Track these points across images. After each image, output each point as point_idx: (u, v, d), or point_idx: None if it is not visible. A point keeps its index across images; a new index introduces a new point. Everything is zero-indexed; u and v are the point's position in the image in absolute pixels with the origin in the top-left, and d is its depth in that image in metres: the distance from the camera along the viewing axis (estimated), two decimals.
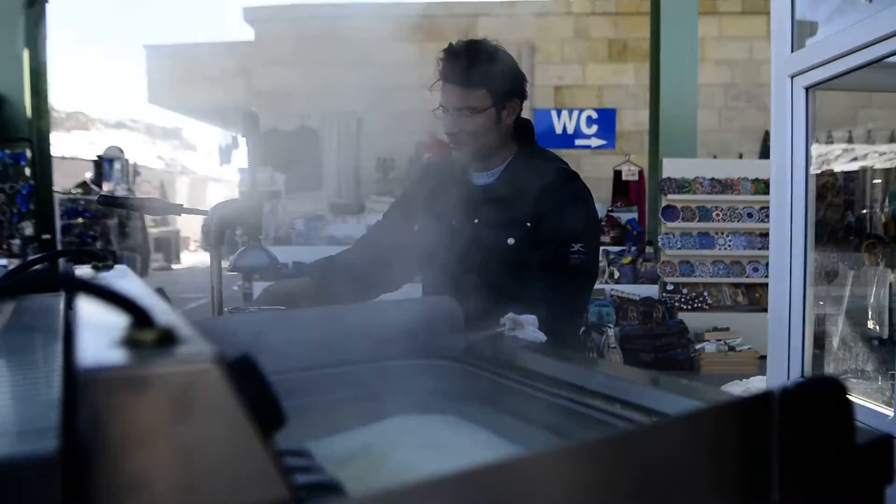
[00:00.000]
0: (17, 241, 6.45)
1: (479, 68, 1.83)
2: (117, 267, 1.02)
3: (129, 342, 0.41)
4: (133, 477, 0.37)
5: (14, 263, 6.37)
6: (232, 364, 0.49)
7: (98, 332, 0.44)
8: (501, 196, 1.89)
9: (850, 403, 0.71)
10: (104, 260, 1.00)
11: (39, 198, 6.66)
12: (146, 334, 0.41)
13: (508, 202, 1.86)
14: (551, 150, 2.14)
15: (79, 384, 0.36)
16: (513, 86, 1.91)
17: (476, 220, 1.89)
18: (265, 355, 1.21)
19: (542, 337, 1.41)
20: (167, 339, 0.42)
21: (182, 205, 1.80)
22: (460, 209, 1.90)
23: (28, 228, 6.51)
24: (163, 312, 0.53)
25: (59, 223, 6.90)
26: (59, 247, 6.77)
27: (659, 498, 0.56)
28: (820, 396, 0.68)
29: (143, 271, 9.45)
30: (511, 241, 1.83)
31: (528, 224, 1.83)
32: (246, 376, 0.48)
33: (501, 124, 1.90)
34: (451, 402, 1.28)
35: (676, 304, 6.47)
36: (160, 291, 0.99)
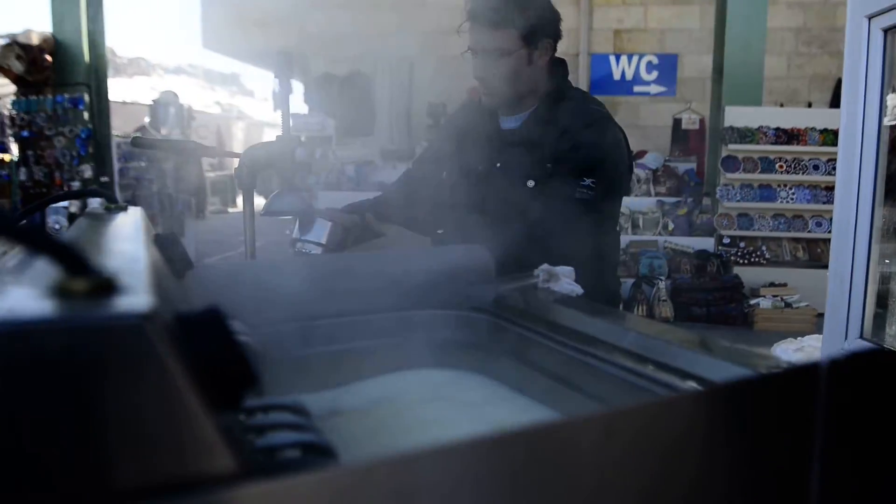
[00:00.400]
0: (76, 184, 6.62)
1: (507, 6, 1.72)
2: (131, 209, 0.99)
3: (58, 292, 0.36)
4: (50, 444, 0.32)
5: (74, 204, 6.56)
6: (193, 318, 0.44)
7: (31, 279, 0.39)
8: (525, 139, 1.80)
9: None
10: (116, 201, 0.97)
11: (98, 141, 6.79)
12: (78, 283, 0.36)
13: (532, 145, 1.78)
14: (586, 92, 2.05)
15: None
16: (545, 25, 1.79)
17: (498, 164, 1.82)
18: (291, 301, 1.20)
19: (577, 290, 1.34)
20: (103, 288, 0.37)
21: (214, 147, 1.77)
22: (485, 154, 1.83)
23: (87, 171, 6.66)
24: (129, 259, 0.49)
25: (116, 166, 7.05)
26: (118, 189, 6.92)
27: (689, 471, 0.51)
28: (873, 370, 0.60)
29: (199, 214, 9.63)
30: (531, 183, 1.75)
31: (549, 165, 1.75)
32: (209, 331, 0.44)
33: (534, 66, 1.80)
34: (476, 354, 1.23)
35: (732, 258, 6.27)
36: (170, 236, 0.95)
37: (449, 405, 1.05)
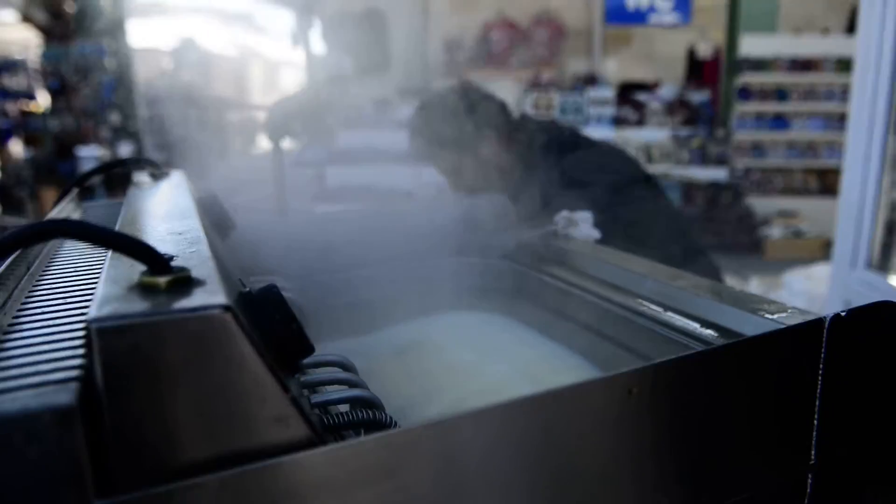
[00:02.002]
0: (106, 131, 6.82)
1: (450, 125, 1.68)
2: (173, 174, 1.06)
3: (143, 287, 0.43)
4: (147, 424, 0.39)
5: (104, 151, 6.77)
6: (256, 296, 0.50)
7: (117, 275, 0.45)
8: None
9: None
10: (159, 168, 1.06)
11: (122, 89, 6.95)
12: (160, 279, 0.43)
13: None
14: (550, 125, 1.98)
15: (89, 334, 0.38)
16: (491, 125, 1.77)
17: None
18: (318, 254, 1.27)
19: (596, 234, 1.37)
20: (182, 282, 0.43)
21: (246, 101, 1.88)
22: None
23: (115, 119, 6.85)
24: (191, 242, 0.55)
25: (143, 112, 7.21)
26: (145, 135, 7.11)
27: (694, 428, 0.56)
28: (877, 325, 0.64)
29: (222, 155, 9.77)
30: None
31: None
32: (270, 308, 0.50)
33: (490, 157, 1.77)
34: (500, 300, 1.29)
35: (745, 188, 6.35)
36: (212, 199, 1.02)
37: (477, 347, 1.11)
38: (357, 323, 1.23)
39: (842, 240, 2.39)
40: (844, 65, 6.05)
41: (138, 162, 1.13)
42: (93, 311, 0.39)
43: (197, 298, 0.42)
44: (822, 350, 0.60)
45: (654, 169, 6.58)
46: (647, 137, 6.75)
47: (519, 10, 8.54)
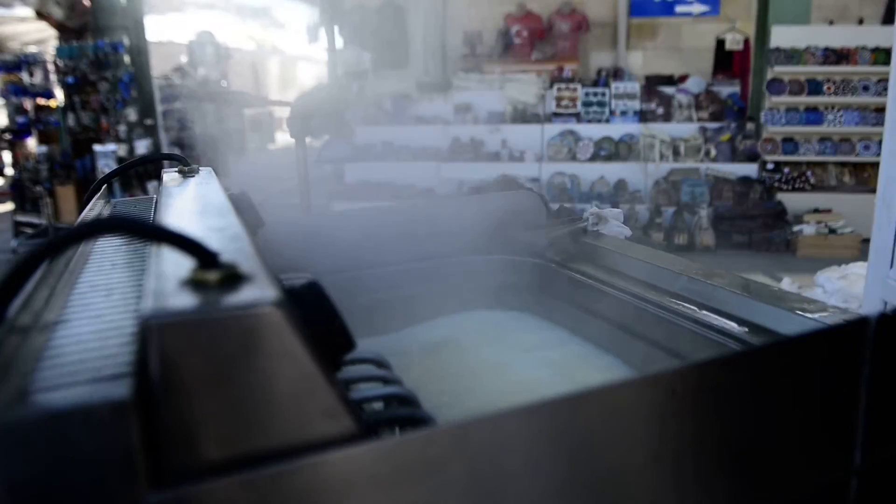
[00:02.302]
0: (122, 127, 6.75)
1: None
2: (202, 171, 1.06)
3: (194, 283, 0.43)
4: (200, 417, 0.39)
5: (122, 147, 6.70)
6: (299, 291, 0.50)
7: (167, 271, 0.45)
8: None
9: None
10: (188, 164, 1.04)
11: (140, 84, 6.87)
12: (210, 274, 0.43)
13: None
14: None
15: (143, 330, 0.38)
16: None
17: None
18: (348, 251, 1.26)
19: (626, 231, 1.38)
20: (231, 278, 0.43)
21: (267, 97, 1.82)
22: None
23: (132, 114, 6.77)
24: (232, 238, 0.55)
25: (159, 108, 7.14)
26: (162, 132, 7.03)
27: (736, 428, 0.56)
28: None
29: (240, 151, 9.72)
30: None
31: None
32: (313, 303, 0.50)
33: None
34: (530, 298, 1.29)
35: (776, 184, 6.17)
36: (243, 196, 1.02)
37: (508, 346, 1.11)
38: (385, 321, 1.23)
39: (879, 237, 2.31)
40: (881, 55, 5.85)
41: (170, 157, 1.14)
42: (147, 307, 0.39)
43: (247, 294, 0.41)
44: (868, 349, 0.59)
45: (682, 165, 6.42)
46: (674, 132, 6.58)
47: (541, 3, 8.40)
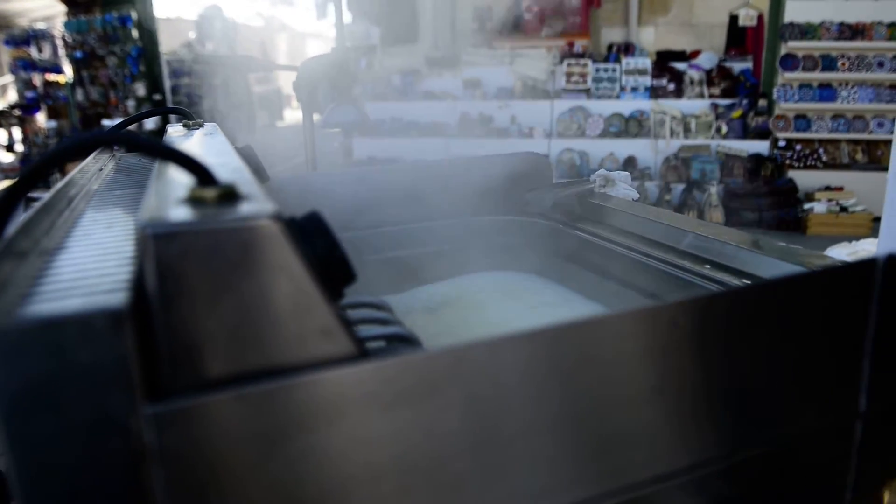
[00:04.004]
0: (131, 102, 6.74)
1: None
2: (207, 125, 1.05)
3: (192, 200, 0.42)
4: (197, 331, 0.39)
5: None
6: (300, 221, 0.49)
7: (166, 189, 0.45)
8: None
9: None
10: (193, 118, 1.03)
11: (148, 59, 6.85)
12: (208, 192, 0.42)
13: None
14: None
15: (141, 241, 0.37)
16: None
17: None
18: (354, 211, 1.26)
19: (633, 194, 1.37)
20: (229, 196, 0.43)
21: (274, 61, 1.81)
22: None
23: (140, 89, 6.77)
24: (233, 170, 0.54)
25: (168, 83, 7.13)
26: (170, 105, 7.02)
27: (739, 363, 0.55)
28: None
29: (249, 128, 9.72)
30: None
31: None
32: (314, 233, 0.49)
33: None
34: (537, 258, 1.28)
35: (787, 161, 6.11)
36: (247, 149, 1.01)
37: (513, 305, 1.11)
38: (389, 280, 1.22)
39: (890, 216, 2.29)
40: None
41: (174, 111, 1.15)
42: (145, 218, 0.39)
43: (245, 208, 0.41)
44: (876, 290, 0.58)
45: (693, 142, 6.36)
46: (685, 108, 6.52)
47: None
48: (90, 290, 0.39)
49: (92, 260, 0.45)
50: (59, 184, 0.70)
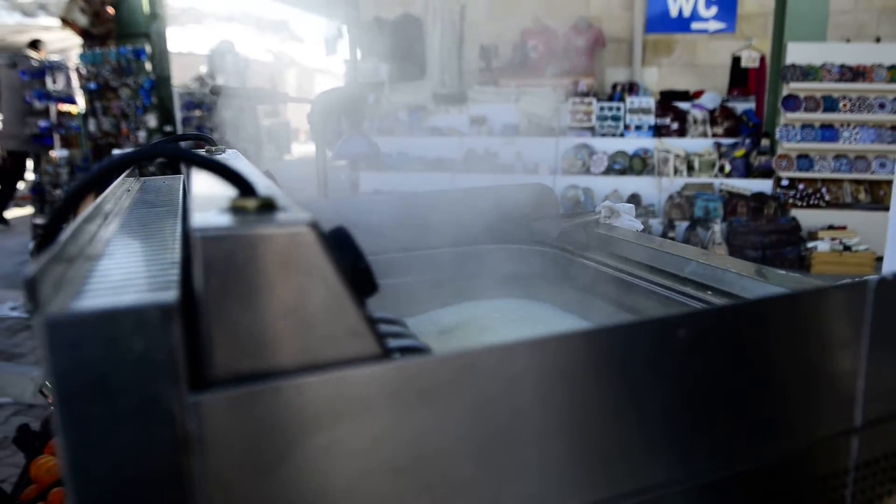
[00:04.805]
0: (142, 133, 6.85)
1: None
2: (229, 150, 1.09)
3: (235, 209, 0.46)
4: (238, 327, 0.42)
5: None
6: (327, 235, 0.53)
7: (208, 201, 0.49)
8: None
9: None
10: (216, 144, 1.07)
11: (160, 91, 6.98)
12: (249, 202, 0.46)
13: None
14: None
15: (191, 244, 0.41)
16: None
17: None
18: (367, 236, 1.29)
19: (638, 225, 1.40)
20: (268, 206, 0.46)
21: (287, 93, 1.87)
22: None
23: (152, 121, 6.88)
24: (265, 186, 0.58)
25: (179, 115, 7.25)
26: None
27: (739, 375, 0.58)
28: None
29: (257, 161, 9.81)
30: None
31: None
32: (341, 245, 0.53)
33: None
34: (545, 285, 1.31)
35: (790, 200, 6.15)
36: (268, 173, 1.05)
37: (522, 329, 1.14)
38: (398, 306, 1.23)
39: (892, 255, 2.31)
40: None
41: (197, 138, 1.23)
42: (194, 223, 0.42)
43: (284, 218, 0.44)
44: (869, 310, 0.62)
45: (696, 180, 6.42)
46: (689, 147, 6.59)
47: (557, 18, 8.46)
48: (139, 288, 0.42)
49: (136, 264, 0.49)
50: (94, 203, 0.73)
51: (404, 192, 1.80)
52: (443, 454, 0.47)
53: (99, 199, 0.77)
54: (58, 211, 0.45)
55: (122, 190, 0.94)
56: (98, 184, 0.44)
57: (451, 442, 0.47)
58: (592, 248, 1.29)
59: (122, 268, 0.48)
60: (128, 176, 1.11)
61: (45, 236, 0.45)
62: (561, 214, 1.39)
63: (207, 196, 0.51)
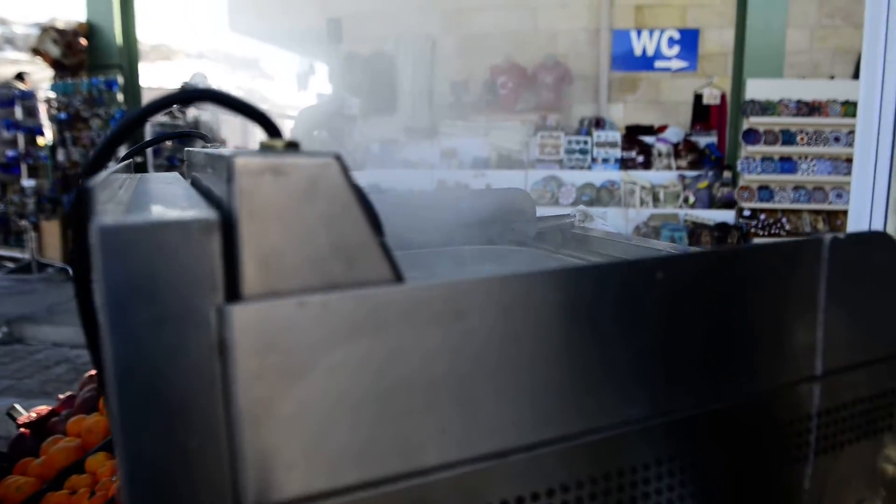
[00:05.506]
0: (112, 164, 6.81)
1: None
2: (225, 144, 1.14)
3: (265, 147, 0.51)
4: (268, 246, 0.47)
5: None
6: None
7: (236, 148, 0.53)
8: None
9: None
10: (212, 140, 1.12)
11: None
12: (278, 143, 0.51)
13: None
14: None
15: (229, 172, 0.45)
16: None
17: None
18: None
19: (610, 228, 1.48)
20: (293, 146, 0.51)
21: (271, 112, 1.91)
22: None
23: (122, 151, 6.84)
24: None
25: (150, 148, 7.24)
26: (152, 170, 7.12)
27: (710, 320, 0.63)
28: (870, 249, 0.74)
29: None
30: None
31: None
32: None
33: None
34: None
35: (752, 230, 6.34)
36: None
37: None
38: None
39: None
40: (851, 108, 6.10)
41: (194, 135, 1.25)
42: (231, 155, 0.46)
43: (311, 153, 0.49)
44: (824, 267, 0.68)
45: (662, 210, 6.59)
46: (654, 179, 6.78)
47: (526, 56, 8.68)
48: (180, 209, 0.47)
49: (170, 199, 0.53)
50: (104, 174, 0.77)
51: (382, 193, 1.84)
52: (452, 373, 0.52)
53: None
54: (99, 153, 0.50)
55: (123, 177, 0.98)
56: (138, 125, 0.48)
57: (458, 362, 0.52)
58: (569, 246, 1.35)
59: (159, 201, 0.52)
60: (123, 171, 1.15)
61: (87, 173, 0.49)
62: (538, 217, 1.45)
63: (230, 148, 0.56)
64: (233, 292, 0.46)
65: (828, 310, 0.70)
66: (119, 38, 6.99)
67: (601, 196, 6.83)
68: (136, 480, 0.43)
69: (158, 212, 0.47)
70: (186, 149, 1.14)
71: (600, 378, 0.58)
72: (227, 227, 0.46)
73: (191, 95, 0.51)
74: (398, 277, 0.51)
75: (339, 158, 0.49)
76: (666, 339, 0.61)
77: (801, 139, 6.31)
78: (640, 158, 7.00)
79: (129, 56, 7.12)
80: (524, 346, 0.55)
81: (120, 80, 6.87)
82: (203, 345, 0.44)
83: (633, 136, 7.23)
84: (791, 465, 0.71)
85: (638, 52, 8.66)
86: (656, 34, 8.65)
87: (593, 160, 7.08)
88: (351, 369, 0.48)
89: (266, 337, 0.46)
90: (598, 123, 7.66)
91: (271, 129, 0.51)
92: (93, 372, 1.92)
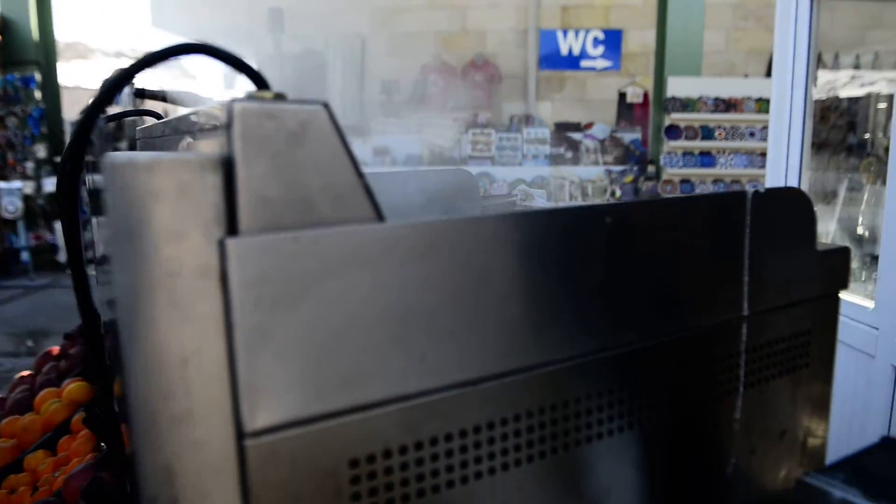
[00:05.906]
0: (30, 164, 6.56)
1: None
2: None
3: (256, 97, 0.54)
4: (264, 185, 0.51)
5: (28, 185, 6.49)
6: None
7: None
8: None
9: (813, 214, 0.86)
10: (163, 118, 1.13)
11: (50, 121, 6.73)
12: (266, 94, 0.55)
13: None
14: None
15: (227, 116, 0.49)
16: None
17: None
18: None
19: (548, 205, 1.55)
20: (281, 97, 0.55)
21: (213, 98, 1.91)
22: None
23: (41, 151, 6.62)
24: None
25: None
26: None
27: (652, 262, 0.70)
28: (787, 203, 0.83)
29: None
30: None
31: None
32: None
33: None
34: None
35: None
36: None
37: None
38: None
39: None
40: (764, 105, 6.44)
41: (147, 114, 1.30)
42: (228, 100, 0.49)
43: (300, 101, 0.53)
44: (748, 217, 0.76)
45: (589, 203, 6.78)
46: (582, 174, 6.98)
47: (455, 55, 8.77)
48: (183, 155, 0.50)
49: (155, 155, 0.56)
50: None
51: None
52: (426, 306, 0.57)
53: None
54: (94, 104, 0.52)
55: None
56: (128, 80, 0.52)
57: (433, 295, 0.57)
58: None
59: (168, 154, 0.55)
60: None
61: (82, 129, 0.52)
62: (482, 196, 1.51)
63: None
64: (232, 227, 0.50)
65: (752, 255, 0.78)
66: (35, 34, 6.73)
67: None
68: (139, 395, 0.46)
69: (159, 156, 0.50)
70: (139, 127, 1.15)
71: (556, 314, 0.64)
72: (227, 166, 0.50)
73: (184, 48, 0.54)
74: (380, 217, 0.56)
75: (326, 106, 0.53)
76: (613, 279, 0.67)
77: (720, 134, 6.62)
78: (569, 154, 7.21)
79: (47, 52, 6.86)
80: (490, 282, 0.60)
81: (38, 76, 6.62)
82: (205, 274, 0.48)
83: (562, 132, 7.43)
84: (724, 397, 0.79)
85: (564, 51, 8.88)
86: (581, 34, 8.89)
87: (524, 156, 7.24)
88: (338, 300, 0.53)
89: (262, 269, 0.50)
90: (528, 121, 7.83)
91: (259, 82, 0.55)
92: (24, 373, 1.90)
